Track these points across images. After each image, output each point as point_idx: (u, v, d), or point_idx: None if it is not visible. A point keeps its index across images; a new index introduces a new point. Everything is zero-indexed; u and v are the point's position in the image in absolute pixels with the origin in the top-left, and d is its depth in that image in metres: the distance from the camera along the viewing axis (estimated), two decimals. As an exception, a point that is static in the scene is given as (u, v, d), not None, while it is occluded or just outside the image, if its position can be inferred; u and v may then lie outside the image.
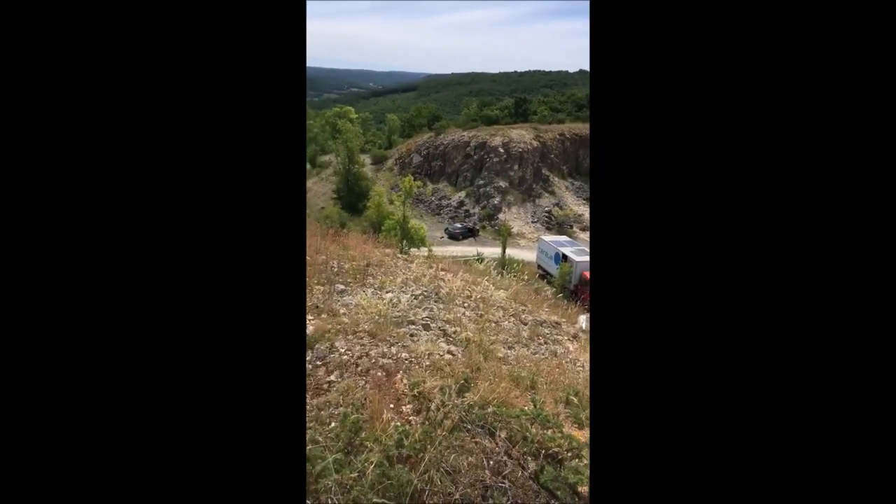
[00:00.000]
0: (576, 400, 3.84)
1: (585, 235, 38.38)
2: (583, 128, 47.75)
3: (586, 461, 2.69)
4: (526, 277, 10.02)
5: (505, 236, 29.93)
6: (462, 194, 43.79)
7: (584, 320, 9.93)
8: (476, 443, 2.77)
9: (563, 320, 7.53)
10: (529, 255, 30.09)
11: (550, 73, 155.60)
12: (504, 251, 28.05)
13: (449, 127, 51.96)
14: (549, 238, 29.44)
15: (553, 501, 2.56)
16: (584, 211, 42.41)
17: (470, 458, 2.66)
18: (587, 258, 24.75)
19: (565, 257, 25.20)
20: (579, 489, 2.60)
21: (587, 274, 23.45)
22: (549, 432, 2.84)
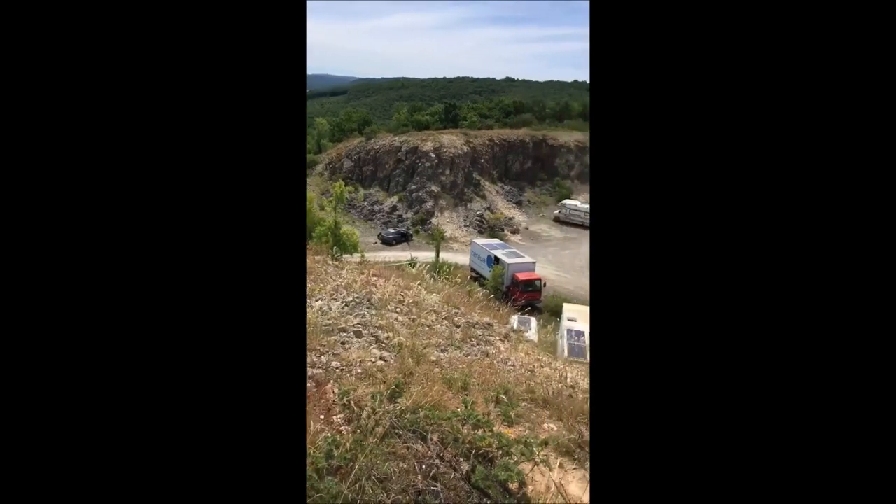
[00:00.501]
0: (505, 398, 3.93)
1: (516, 238, 39.55)
2: (511, 133, 49.31)
3: (516, 458, 2.76)
4: (459, 280, 10.13)
5: (438, 240, 30.14)
6: (394, 199, 43.63)
7: (515, 320, 10.21)
8: (408, 448, 2.76)
9: (496, 321, 7.69)
10: (463, 259, 30.49)
11: (479, 79, 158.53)
12: (438, 255, 28.23)
13: (380, 132, 51.62)
14: (482, 241, 30.06)
15: (485, 500, 2.61)
16: (515, 214, 43.67)
17: (402, 464, 2.64)
18: (519, 260, 25.60)
19: (497, 260, 25.80)
20: (509, 486, 2.67)
21: (519, 275, 24.21)
22: (480, 432, 2.89)
